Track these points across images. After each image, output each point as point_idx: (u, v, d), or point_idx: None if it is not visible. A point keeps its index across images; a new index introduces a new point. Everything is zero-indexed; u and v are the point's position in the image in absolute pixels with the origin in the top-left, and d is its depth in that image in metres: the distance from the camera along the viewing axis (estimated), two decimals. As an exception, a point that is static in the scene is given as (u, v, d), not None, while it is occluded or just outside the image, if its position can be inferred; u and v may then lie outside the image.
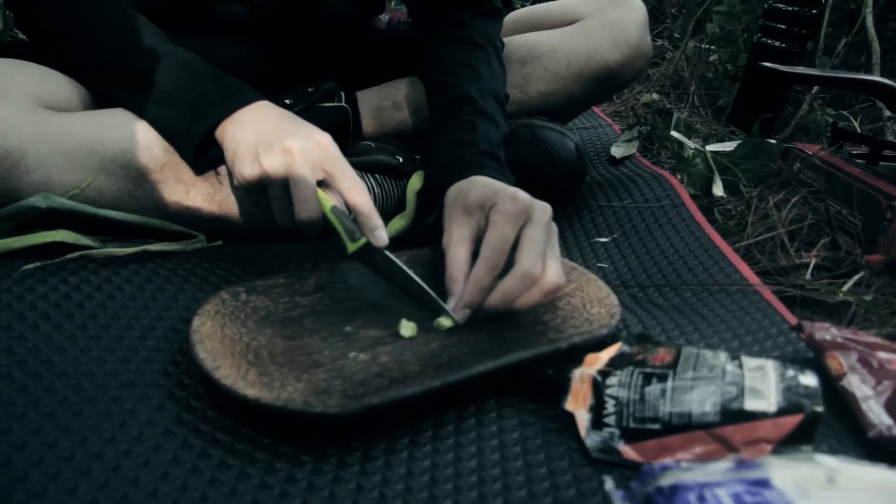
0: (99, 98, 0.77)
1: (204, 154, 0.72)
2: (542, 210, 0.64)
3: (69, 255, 0.66)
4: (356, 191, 0.64)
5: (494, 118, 0.79)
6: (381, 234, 0.63)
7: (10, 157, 0.66)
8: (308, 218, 0.64)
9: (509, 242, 0.61)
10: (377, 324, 0.62)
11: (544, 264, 0.61)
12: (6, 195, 0.67)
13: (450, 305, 0.61)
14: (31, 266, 0.63)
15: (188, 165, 0.73)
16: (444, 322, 0.61)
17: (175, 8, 0.87)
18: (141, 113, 0.72)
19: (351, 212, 0.65)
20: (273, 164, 0.64)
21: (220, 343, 0.55)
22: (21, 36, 1.61)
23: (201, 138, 0.70)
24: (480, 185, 0.67)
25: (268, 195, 0.67)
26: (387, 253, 0.64)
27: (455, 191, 0.68)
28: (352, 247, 0.63)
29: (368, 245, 0.63)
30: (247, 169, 0.65)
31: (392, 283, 0.65)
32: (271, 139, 0.65)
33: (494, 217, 0.63)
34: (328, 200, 0.64)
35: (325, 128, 0.88)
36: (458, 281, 0.62)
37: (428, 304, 0.63)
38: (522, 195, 0.64)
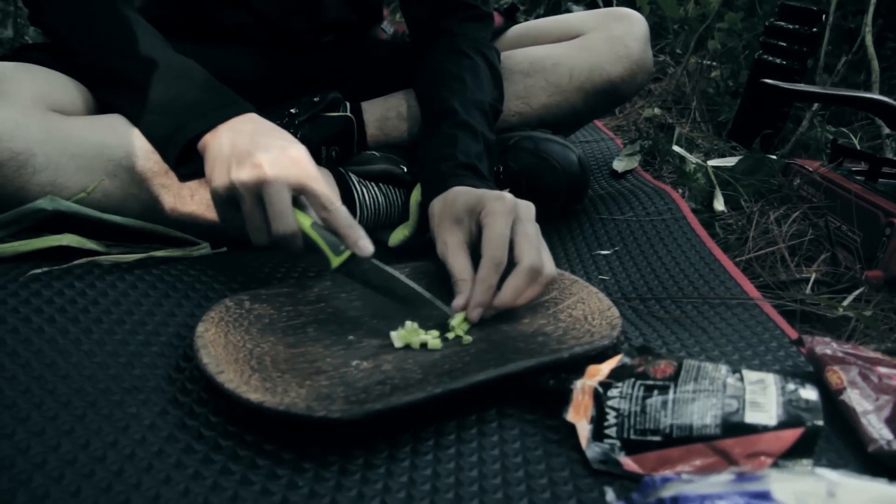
0: (102, 102, 0.77)
1: (187, 164, 0.71)
2: (528, 207, 0.67)
3: (77, 261, 0.67)
4: (332, 206, 0.62)
5: (476, 129, 0.80)
6: (365, 245, 0.62)
7: (18, 157, 0.66)
8: (283, 233, 0.61)
9: (508, 239, 0.64)
10: (380, 333, 0.62)
11: (542, 258, 0.64)
12: (14, 196, 0.68)
13: (456, 304, 0.63)
14: (38, 271, 0.64)
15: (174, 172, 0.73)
16: (456, 327, 0.62)
17: (183, 17, 0.88)
18: (131, 118, 0.72)
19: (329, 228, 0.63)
20: (243, 179, 0.61)
21: (224, 349, 0.55)
22: (31, 41, 1.62)
23: (182, 148, 0.69)
24: (464, 193, 0.69)
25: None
26: (374, 261, 0.63)
27: (440, 203, 0.71)
28: (336, 261, 0.62)
29: (354, 257, 0.62)
30: (219, 182, 0.63)
31: (383, 292, 0.64)
32: (244, 153, 0.63)
33: (487, 218, 0.65)
34: (306, 217, 0.62)
35: (330, 137, 0.90)
36: (469, 283, 0.64)
37: (422, 305, 0.63)
38: (507, 195, 0.67)
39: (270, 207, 0.61)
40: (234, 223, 0.65)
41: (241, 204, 0.63)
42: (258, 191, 0.61)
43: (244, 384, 0.51)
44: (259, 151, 0.62)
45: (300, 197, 0.63)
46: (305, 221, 0.62)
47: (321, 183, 0.63)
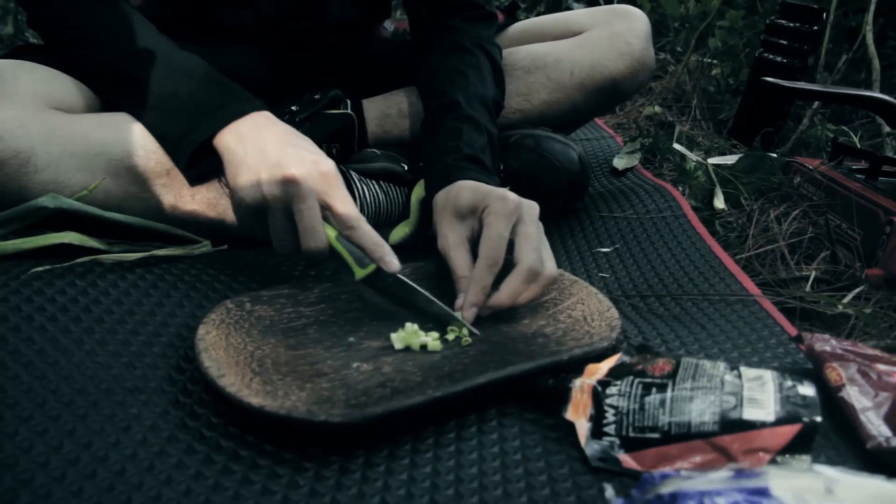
0: (106, 101, 0.78)
1: (199, 163, 0.71)
2: (531, 208, 0.67)
3: (79, 260, 0.67)
4: (357, 225, 0.63)
5: (479, 122, 0.80)
6: (391, 261, 0.63)
7: (20, 156, 0.67)
8: (315, 248, 0.62)
9: (505, 241, 0.64)
10: (380, 335, 0.62)
11: (542, 259, 0.64)
12: (16, 194, 0.68)
13: (457, 304, 0.64)
14: (40, 269, 0.64)
15: (182, 175, 0.72)
16: (463, 332, 0.62)
17: (185, 16, 0.88)
18: (140, 118, 0.72)
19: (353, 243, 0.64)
20: (275, 193, 0.61)
21: (225, 352, 0.56)
22: (33, 40, 1.62)
23: (196, 147, 0.68)
24: (469, 189, 0.68)
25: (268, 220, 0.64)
26: (399, 276, 0.64)
27: (443, 196, 0.71)
28: (360, 273, 0.63)
29: (378, 270, 0.63)
30: (248, 194, 0.63)
31: (405, 305, 0.65)
32: (274, 165, 0.62)
33: (488, 218, 0.65)
34: (332, 229, 0.63)
35: (330, 135, 0.90)
36: (468, 280, 0.64)
37: (444, 320, 0.63)
38: (511, 195, 0.66)
39: (301, 223, 0.62)
40: (255, 229, 0.65)
41: (270, 215, 0.63)
42: (288, 205, 0.62)
43: (245, 388, 0.51)
44: (291, 165, 0.62)
45: (325, 210, 0.63)
46: (331, 233, 0.63)
47: (348, 201, 0.64)
